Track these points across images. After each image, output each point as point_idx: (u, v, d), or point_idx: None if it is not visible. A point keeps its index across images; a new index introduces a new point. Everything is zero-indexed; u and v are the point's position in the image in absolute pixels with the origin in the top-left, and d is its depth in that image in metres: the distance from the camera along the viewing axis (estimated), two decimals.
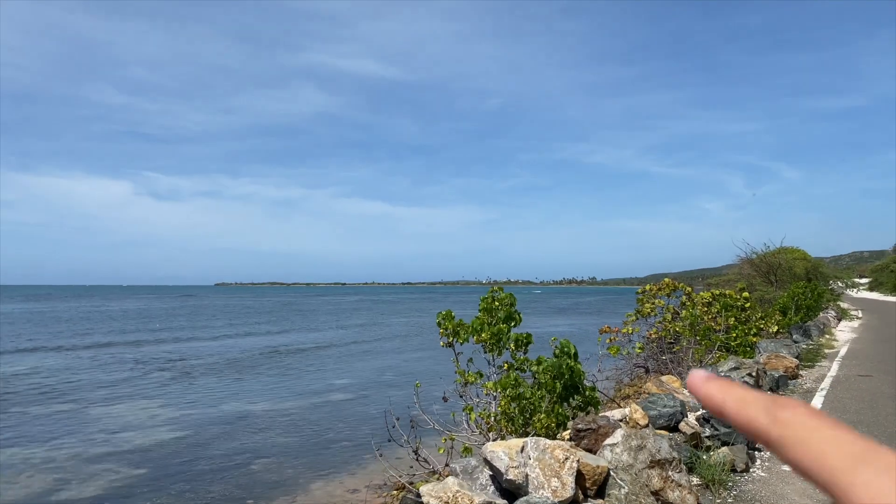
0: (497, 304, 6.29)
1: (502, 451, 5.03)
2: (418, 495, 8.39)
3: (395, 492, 9.86)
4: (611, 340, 13.61)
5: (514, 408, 5.74)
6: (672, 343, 14.91)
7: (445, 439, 6.45)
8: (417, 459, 6.29)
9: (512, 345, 5.83)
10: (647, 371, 16.53)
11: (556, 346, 5.20)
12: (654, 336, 15.55)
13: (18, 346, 30.25)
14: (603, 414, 6.06)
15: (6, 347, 29.46)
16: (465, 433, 6.60)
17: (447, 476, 5.45)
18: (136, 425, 13.43)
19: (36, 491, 9.33)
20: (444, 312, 6.10)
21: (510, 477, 4.96)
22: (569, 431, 5.80)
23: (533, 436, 5.43)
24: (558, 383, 5.51)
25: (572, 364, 5.09)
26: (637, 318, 16.04)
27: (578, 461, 5.00)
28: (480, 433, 6.39)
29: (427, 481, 5.74)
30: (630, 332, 15.29)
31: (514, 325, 6.28)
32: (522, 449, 5.05)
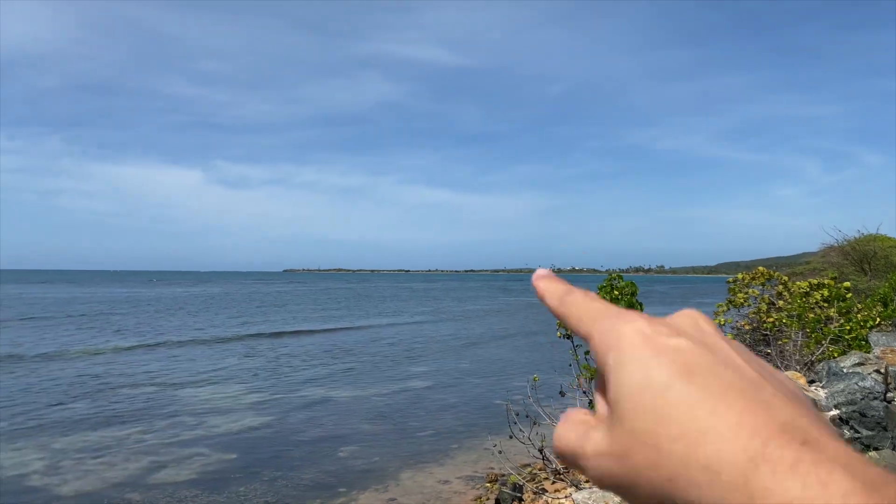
0: (617, 293, 5.83)
1: None
2: (514, 487, 8.02)
3: (488, 484, 9.57)
4: None
5: None
6: (768, 335, 14.01)
7: None
8: (544, 459, 5.90)
9: None
10: None
11: None
12: (747, 327, 14.77)
13: (119, 331, 31.57)
14: None
15: (116, 334, 30.76)
16: None
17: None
18: (224, 409, 13.58)
19: (133, 473, 9.45)
20: None
21: None
22: None
23: None
24: None
25: None
26: (728, 309, 15.24)
27: None
28: None
29: (548, 480, 5.36)
30: (722, 322, 14.54)
31: None
32: None
